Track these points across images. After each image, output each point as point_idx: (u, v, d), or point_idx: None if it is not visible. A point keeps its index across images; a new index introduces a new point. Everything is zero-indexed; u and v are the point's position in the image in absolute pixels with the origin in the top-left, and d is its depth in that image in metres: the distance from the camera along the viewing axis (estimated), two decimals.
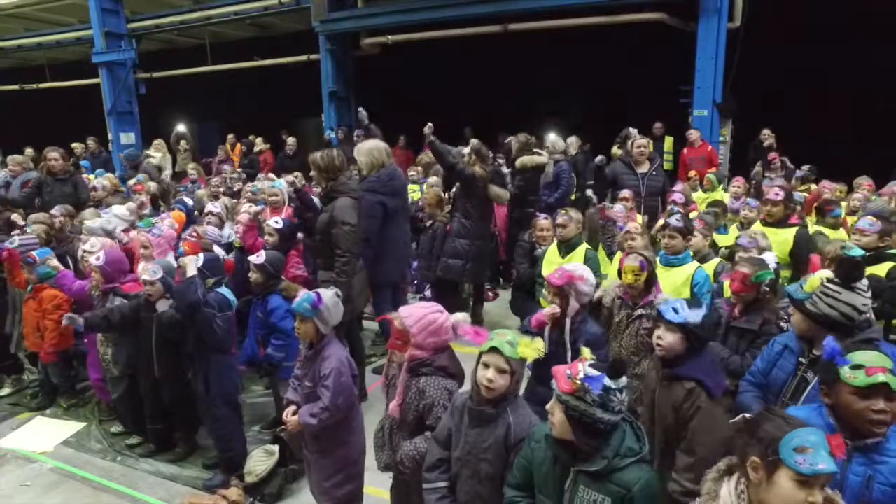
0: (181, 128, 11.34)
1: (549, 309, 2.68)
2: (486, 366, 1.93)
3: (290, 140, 9.46)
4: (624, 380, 1.62)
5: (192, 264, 2.90)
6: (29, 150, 8.59)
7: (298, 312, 2.39)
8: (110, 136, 11.90)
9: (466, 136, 9.29)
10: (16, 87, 14.33)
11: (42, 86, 14.16)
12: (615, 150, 7.69)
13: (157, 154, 8.79)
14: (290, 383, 2.57)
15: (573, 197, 7.84)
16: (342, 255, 3.41)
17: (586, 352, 1.71)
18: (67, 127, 11.75)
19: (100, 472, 3.20)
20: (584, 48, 10.79)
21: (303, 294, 2.40)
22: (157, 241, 3.76)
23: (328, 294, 2.43)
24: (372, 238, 3.83)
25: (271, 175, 7.08)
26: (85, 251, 3.65)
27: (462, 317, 2.26)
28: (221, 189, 6.44)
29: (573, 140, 9.07)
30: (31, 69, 15.58)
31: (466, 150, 4.98)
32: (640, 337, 2.90)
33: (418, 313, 2.20)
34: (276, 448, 3.03)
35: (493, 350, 1.92)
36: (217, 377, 2.99)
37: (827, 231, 4.37)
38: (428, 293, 5.71)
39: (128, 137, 11.95)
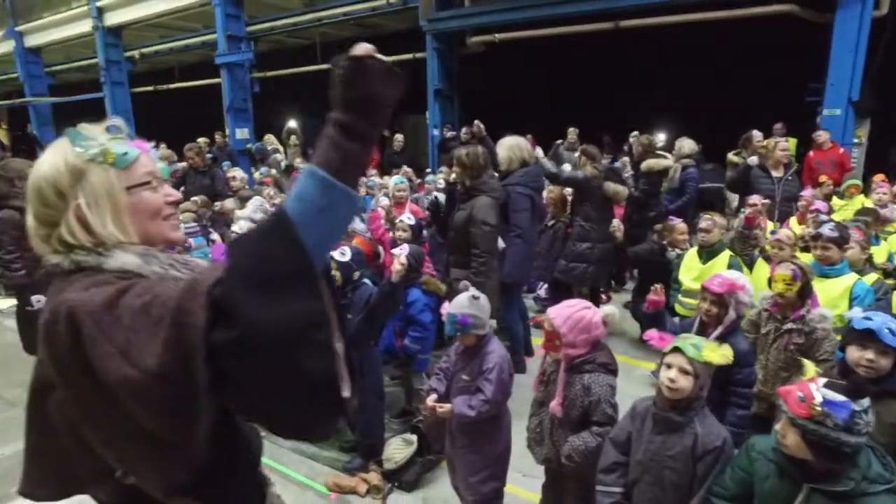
0: (292, 123, 11.95)
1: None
2: (669, 366, 1.92)
3: (398, 136, 9.69)
4: (867, 400, 1.48)
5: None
6: (163, 146, 9.42)
7: (451, 336, 2.44)
8: (227, 132, 12.80)
9: (564, 140, 9.14)
10: (150, 88, 15.75)
11: (172, 86, 15.46)
12: (731, 156, 7.23)
13: (274, 147, 9.33)
14: (435, 374, 2.60)
15: None
16: (480, 255, 3.42)
17: (811, 368, 1.59)
18: (191, 123, 12.79)
19: None
20: (699, 45, 10.25)
21: (445, 317, 2.43)
22: None
23: (463, 301, 2.42)
24: (524, 232, 3.80)
25: (372, 171, 7.32)
26: None
27: (609, 310, 2.27)
28: None
29: (685, 142, 8.63)
30: (162, 71, 17.10)
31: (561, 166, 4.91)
32: (790, 352, 2.72)
33: (565, 313, 2.22)
34: (414, 438, 3.09)
35: (676, 350, 1.92)
36: (366, 371, 3.08)
37: None
38: (541, 292, 5.64)
39: (242, 133, 12.75)
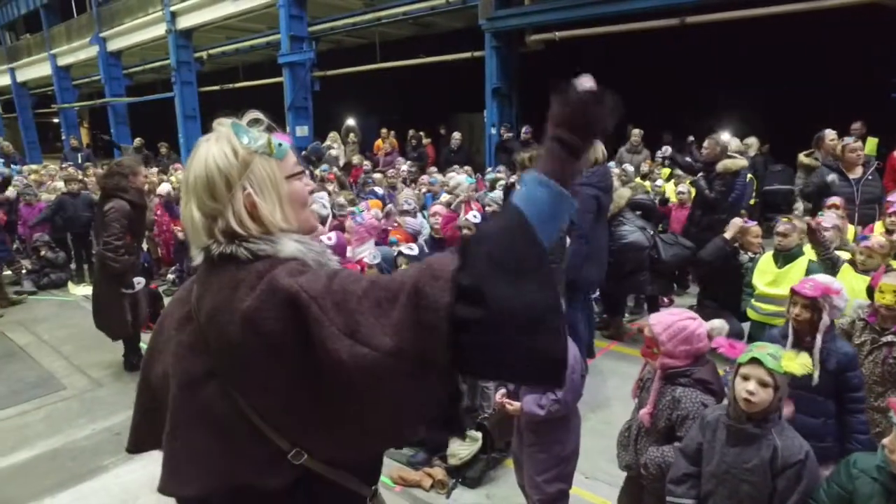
0: (351, 122, 12.20)
1: None
2: (746, 378, 1.83)
3: (456, 135, 9.74)
4: None
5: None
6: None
7: None
8: (288, 130, 13.20)
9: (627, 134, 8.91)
10: (216, 87, 16.45)
11: (236, 85, 16.10)
12: (803, 157, 6.86)
13: (333, 145, 9.56)
14: None
15: (751, 202, 7.16)
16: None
17: None
18: None
19: None
20: (769, 40, 9.79)
21: None
22: (357, 228, 4.01)
23: None
24: (586, 233, 3.76)
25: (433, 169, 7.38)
26: None
27: (719, 324, 2.17)
28: (398, 180, 6.80)
29: (753, 141, 8.28)
30: (226, 71, 17.83)
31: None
32: (888, 366, 2.58)
33: (667, 320, 2.15)
34: (479, 435, 3.10)
35: (755, 361, 1.83)
36: None
37: None
38: (597, 295, 5.54)
39: (302, 130, 13.11)
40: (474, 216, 3.90)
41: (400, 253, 3.09)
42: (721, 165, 4.89)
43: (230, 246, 0.99)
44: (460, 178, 5.10)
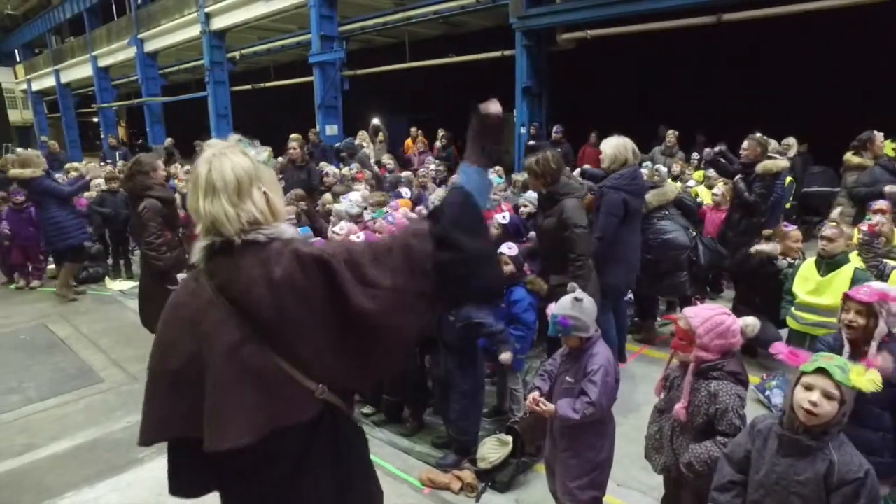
0: (376, 121, 12.25)
1: None
2: (809, 388, 1.75)
3: None
4: None
5: None
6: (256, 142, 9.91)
7: (554, 337, 2.41)
8: (318, 128, 13.34)
9: (661, 133, 8.74)
10: (248, 86, 16.74)
11: (267, 85, 16.35)
12: (851, 156, 6.61)
13: (363, 144, 9.61)
14: (539, 375, 2.55)
15: (787, 205, 6.92)
16: (578, 258, 3.34)
17: None
18: (284, 120, 13.44)
19: None
20: (807, 37, 9.48)
21: (549, 316, 2.42)
22: (389, 228, 4.01)
23: (566, 303, 2.37)
24: (607, 237, 3.70)
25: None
26: (334, 232, 4.06)
27: (752, 321, 2.15)
28: (428, 180, 6.78)
29: (792, 141, 8.01)
30: (257, 71, 18.14)
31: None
32: None
33: (704, 314, 2.13)
34: (509, 438, 3.06)
35: (821, 371, 1.74)
36: (462, 368, 3.10)
37: None
38: (629, 297, 5.43)
39: (332, 129, 13.22)
40: (503, 217, 3.85)
41: None
42: (761, 167, 4.74)
43: (251, 233, 1.27)
44: (491, 178, 5.05)
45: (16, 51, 31.15)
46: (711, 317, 2.10)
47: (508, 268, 3.42)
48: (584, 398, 2.24)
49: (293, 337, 1.24)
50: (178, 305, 1.34)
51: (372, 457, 2.18)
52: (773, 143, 5.40)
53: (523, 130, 10.17)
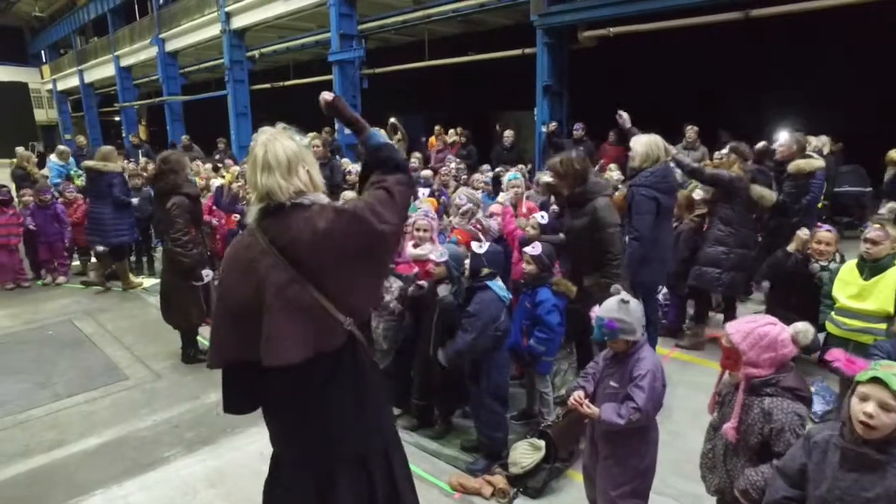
0: (394, 119, 12.18)
1: None
2: (865, 398, 1.63)
3: (508, 132, 9.60)
4: None
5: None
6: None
7: (599, 341, 2.34)
8: (337, 127, 13.33)
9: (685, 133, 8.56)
10: (267, 85, 16.81)
11: (286, 83, 16.40)
12: (894, 153, 6.44)
13: None
14: (581, 376, 2.47)
15: (819, 205, 6.73)
16: (615, 257, 3.27)
17: None
18: (303, 118, 13.43)
19: None
20: (836, 34, 9.23)
21: (594, 320, 2.33)
22: (431, 222, 3.91)
23: (612, 305, 2.29)
24: (643, 236, 3.61)
25: (485, 167, 7.25)
26: None
27: (803, 327, 1.98)
28: (449, 178, 6.71)
29: (824, 140, 7.81)
30: (276, 70, 18.19)
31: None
32: None
33: (745, 328, 1.99)
34: (542, 443, 2.99)
35: (877, 381, 1.62)
36: (490, 372, 3.04)
37: None
38: (659, 297, 5.31)
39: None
40: (542, 217, 3.78)
41: (472, 253, 3.05)
42: (793, 166, 4.60)
43: (298, 199, 1.63)
44: (517, 174, 4.96)
45: (42, 52, 31.77)
46: (753, 329, 1.96)
47: (530, 268, 3.34)
48: (630, 403, 2.15)
49: (326, 276, 1.58)
50: (237, 257, 1.69)
51: None
52: (813, 142, 5.23)
53: (544, 129, 10.04)
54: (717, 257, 4.37)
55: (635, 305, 2.27)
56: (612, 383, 2.30)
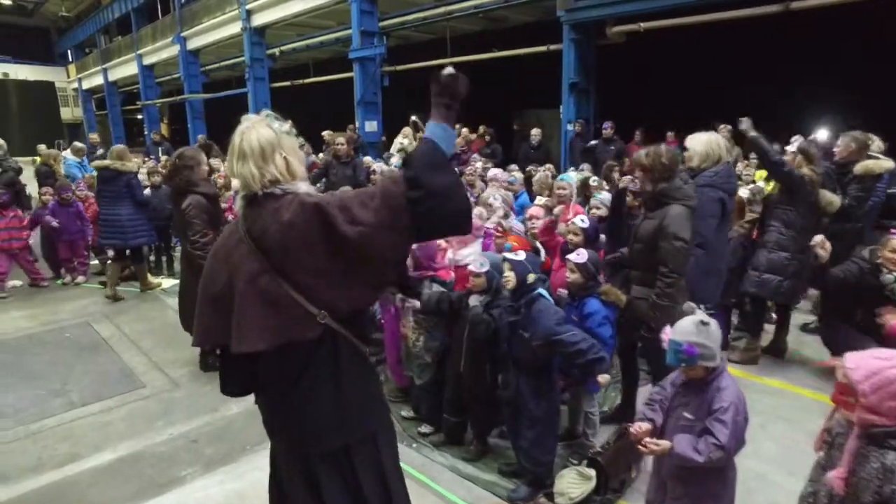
0: (415, 117, 11.95)
1: None
2: None
3: (535, 131, 9.30)
4: None
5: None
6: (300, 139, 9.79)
7: (674, 365, 2.05)
8: (357, 124, 13.15)
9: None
10: (287, 83, 16.72)
11: (306, 81, 16.29)
12: None
13: (404, 140, 9.36)
14: (647, 404, 2.19)
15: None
16: (668, 274, 2.89)
17: None
18: (323, 116, 13.28)
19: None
20: (882, 28, 8.76)
21: (667, 343, 2.04)
22: (478, 224, 3.66)
23: (690, 327, 2.00)
24: (707, 242, 3.27)
25: (513, 167, 6.98)
26: None
27: None
28: (475, 178, 6.45)
29: (875, 139, 7.37)
30: (297, 68, 18.10)
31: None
32: None
33: (871, 365, 1.66)
34: (592, 472, 2.71)
35: None
36: (537, 391, 2.76)
37: None
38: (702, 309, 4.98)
39: (371, 125, 13.03)
40: (582, 220, 3.48)
41: (505, 259, 2.76)
42: (861, 167, 4.25)
43: (270, 188, 1.60)
44: (572, 175, 4.63)
45: (68, 51, 32.23)
46: (881, 370, 1.63)
47: (575, 276, 3.07)
48: (711, 439, 1.87)
49: (295, 267, 1.55)
50: (221, 244, 1.72)
51: (432, 484, 2.70)
52: (876, 141, 4.86)
53: (570, 128, 9.72)
54: (779, 263, 4.03)
55: (715, 328, 1.98)
56: (686, 414, 2.01)
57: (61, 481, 3.14)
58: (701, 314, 2.01)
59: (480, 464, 3.15)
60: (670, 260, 2.90)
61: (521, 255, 2.79)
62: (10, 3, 28.68)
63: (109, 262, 6.85)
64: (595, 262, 3.03)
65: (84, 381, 4.38)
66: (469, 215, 1.55)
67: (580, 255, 2.99)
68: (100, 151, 11.97)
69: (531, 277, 2.75)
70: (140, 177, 7.60)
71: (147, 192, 6.86)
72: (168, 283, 7.04)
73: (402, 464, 1.90)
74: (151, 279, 6.96)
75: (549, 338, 2.59)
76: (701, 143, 3.45)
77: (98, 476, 3.17)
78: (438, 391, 3.35)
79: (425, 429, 3.44)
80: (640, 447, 2.01)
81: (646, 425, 2.04)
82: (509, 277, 2.76)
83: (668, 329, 2.06)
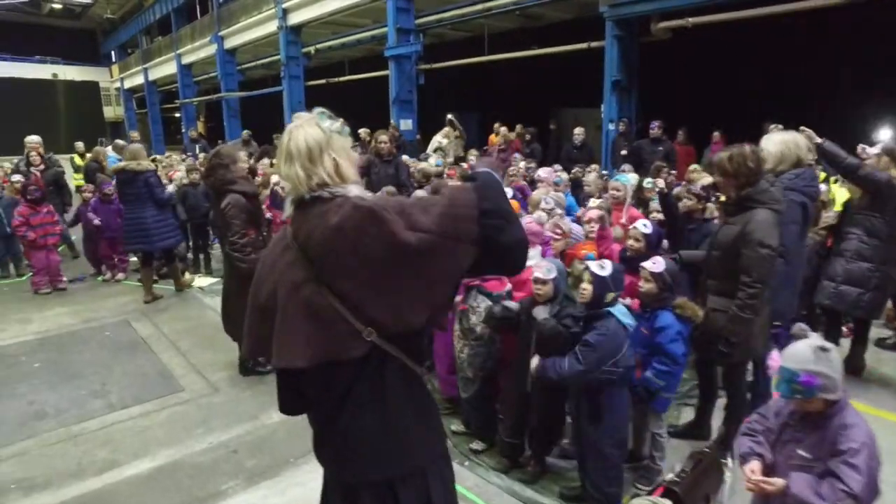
0: (451, 115, 11.75)
1: None
2: None
3: (577, 130, 8.99)
4: None
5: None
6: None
7: (787, 397, 1.80)
8: (392, 122, 13.04)
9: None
10: (322, 81, 16.75)
11: (341, 79, 16.29)
12: None
13: (444, 140, 9.18)
14: (749, 434, 1.94)
15: None
16: (752, 284, 2.63)
17: None
18: (357, 115, 13.19)
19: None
20: None
21: (774, 369, 1.78)
22: (537, 229, 3.42)
23: (807, 354, 1.74)
24: (788, 250, 2.97)
25: (558, 167, 6.72)
26: None
27: None
28: (518, 179, 6.22)
29: None
30: (332, 66, 18.13)
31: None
32: None
33: None
34: (667, 503, 2.47)
35: None
36: (608, 412, 2.53)
37: None
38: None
39: (406, 124, 12.89)
40: (645, 226, 3.23)
41: (587, 268, 2.53)
42: None
43: (319, 191, 1.45)
44: (629, 176, 4.36)
45: (112, 52, 33.20)
46: None
47: (649, 286, 2.83)
48: (839, 485, 1.61)
49: (341, 277, 1.39)
50: (269, 251, 1.61)
51: None
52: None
53: (611, 127, 9.38)
54: (861, 275, 3.70)
55: (836, 355, 1.72)
56: (801, 452, 1.76)
57: (101, 489, 3.05)
58: (817, 338, 1.75)
59: (539, 486, 2.92)
60: (754, 269, 2.64)
61: (608, 269, 2.54)
62: (60, 6, 29.68)
63: (141, 267, 6.48)
64: (672, 271, 2.78)
65: (123, 382, 4.31)
66: (527, 251, 1.43)
67: (657, 264, 2.74)
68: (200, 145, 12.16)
69: (609, 297, 2.52)
70: (178, 174, 7.60)
71: (170, 188, 6.57)
72: (204, 281, 7.00)
73: (456, 485, 1.69)
74: (185, 278, 6.90)
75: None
76: (774, 143, 3.15)
77: (137, 486, 3.06)
78: (487, 407, 3.14)
79: (477, 445, 3.23)
80: (747, 484, 1.76)
81: (757, 464, 1.78)
82: (586, 291, 2.53)
83: (775, 354, 1.80)
